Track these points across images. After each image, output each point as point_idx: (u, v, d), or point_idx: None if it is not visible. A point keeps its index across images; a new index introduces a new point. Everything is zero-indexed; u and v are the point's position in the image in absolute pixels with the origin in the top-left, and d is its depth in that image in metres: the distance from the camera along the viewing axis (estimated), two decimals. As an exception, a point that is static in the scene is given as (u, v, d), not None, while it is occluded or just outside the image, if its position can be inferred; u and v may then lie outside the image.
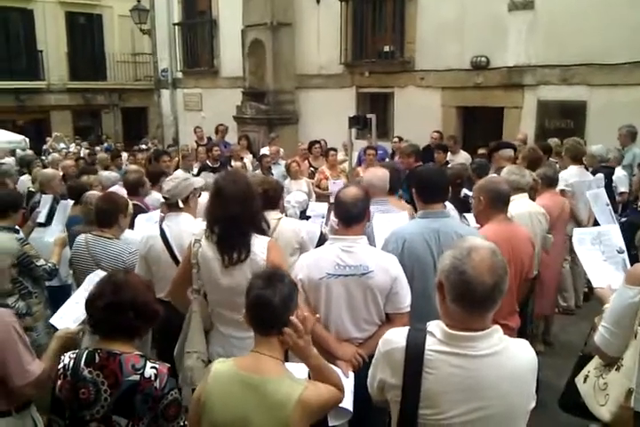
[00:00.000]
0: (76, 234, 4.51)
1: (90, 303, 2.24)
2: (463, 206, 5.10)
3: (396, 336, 1.89)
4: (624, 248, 3.16)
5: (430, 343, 1.79)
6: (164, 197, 3.76)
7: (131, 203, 5.05)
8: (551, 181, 5.18)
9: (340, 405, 2.53)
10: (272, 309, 2.06)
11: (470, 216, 4.80)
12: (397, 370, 1.83)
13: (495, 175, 3.75)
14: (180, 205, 3.70)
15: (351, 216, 2.97)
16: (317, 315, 2.66)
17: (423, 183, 3.40)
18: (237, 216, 2.91)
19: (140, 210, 4.88)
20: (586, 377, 2.63)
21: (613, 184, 6.46)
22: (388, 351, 1.88)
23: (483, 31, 9.72)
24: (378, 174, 4.35)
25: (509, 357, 1.79)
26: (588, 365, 2.66)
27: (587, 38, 8.42)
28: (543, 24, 9.08)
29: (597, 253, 3.16)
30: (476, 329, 1.77)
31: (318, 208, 6.07)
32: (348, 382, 2.71)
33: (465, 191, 5.51)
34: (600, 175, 6.22)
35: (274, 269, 2.29)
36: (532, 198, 4.72)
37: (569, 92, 8.97)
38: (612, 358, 2.45)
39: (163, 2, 16.27)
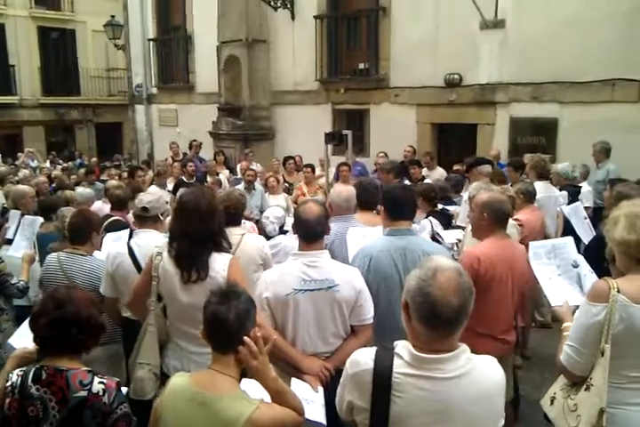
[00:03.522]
0: (52, 252, 4.43)
1: (33, 321, 2.23)
2: (442, 220, 5.15)
3: (364, 358, 1.87)
4: (579, 262, 3.15)
5: (398, 366, 1.78)
6: (141, 209, 3.68)
7: (112, 218, 5.07)
8: (531, 197, 5.35)
9: (313, 418, 2.54)
10: (227, 326, 2.05)
11: (445, 233, 4.83)
12: (365, 393, 1.81)
13: (497, 193, 3.79)
14: (161, 218, 3.68)
15: (316, 233, 3.00)
16: (275, 335, 2.65)
17: (390, 200, 3.45)
18: (195, 233, 2.92)
19: (121, 225, 4.82)
20: (552, 399, 2.57)
21: (579, 200, 6.58)
22: (356, 373, 1.86)
23: (455, 49, 9.86)
24: (342, 195, 4.26)
25: (477, 377, 1.79)
26: (553, 386, 2.62)
27: (557, 56, 8.60)
28: (514, 42, 9.25)
29: (552, 268, 3.14)
30: (442, 350, 1.76)
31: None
32: (319, 397, 2.74)
33: (441, 206, 5.57)
34: (564, 193, 6.36)
35: (231, 285, 2.26)
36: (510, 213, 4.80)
37: (540, 109, 9.12)
38: (579, 378, 2.42)
39: (137, 17, 16.22)
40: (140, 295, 3.12)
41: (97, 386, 2.12)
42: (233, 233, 3.78)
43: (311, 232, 2.99)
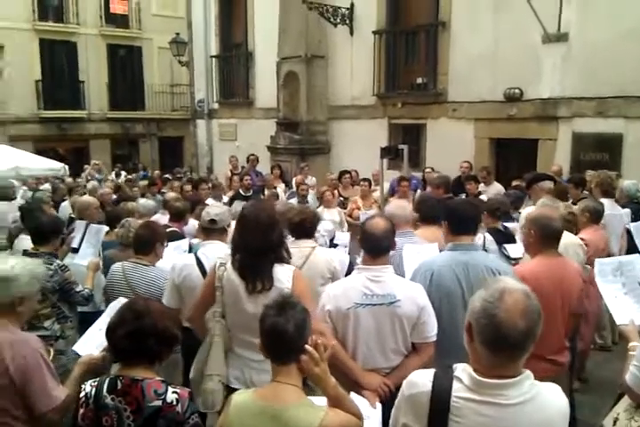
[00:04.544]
0: (110, 258, 4.60)
1: (111, 332, 2.27)
2: (504, 237, 5.05)
3: (422, 379, 1.82)
4: None
5: (457, 389, 1.73)
6: (209, 221, 3.76)
7: (169, 229, 5.21)
8: (598, 216, 5.13)
9: None
10: (287, 337, 2.06)
11: (510, 247, 4.76)
12: (422, 416, 1.76)
13: (548, 210, 3.72)
14: (227, 229, 3.76)
15: (381, 248, 3.00)
16: (334, 341, 2.67)
17: (453, 215, 3.41)
18: (257, 245, 2.96)
19: (176, 236, 4.96)
20: (615, 420, 2.49)
21: None
22: (413, 395, 1.82)
23: (516, 63, 9.72)
24: (400, 205, 4.38)
25: (540, 405, 1.72)
26: (617, 406, 2.53)
27: (623, 70, 8.36)
28: (578, 56, 9.05)
29: (618, 286, 3.05)
30: (506, 375, 1.70)
31: (342, 238, 6.18)
32: (376, 413, 2.71)
33: (502, 223, 5.45)
34: (627, 210, 6.14)
35: (286, 296, 2.29)
36: (571, 231, 4.66)
37: (604, 124, 8.86)
38: None
39: (200, 35, 16.73)
40: (202, 308, 3.17)
41: (171, 396, 2.15)
42: (303, 245, 3.85)
43: (376, 246, 3.00)
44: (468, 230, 3.34)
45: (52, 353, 3.14)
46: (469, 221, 3.37)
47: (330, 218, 7.56)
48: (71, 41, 21.72)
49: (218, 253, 3.59)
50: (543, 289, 3.21)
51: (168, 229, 5.24)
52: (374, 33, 11.90)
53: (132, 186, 11.54)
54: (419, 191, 8.58)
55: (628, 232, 5.75)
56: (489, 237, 4.93)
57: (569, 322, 3.42)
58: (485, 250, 4.75)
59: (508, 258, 4.75)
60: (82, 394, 2.22)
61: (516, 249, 4.65)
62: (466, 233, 3.32)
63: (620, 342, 5.86)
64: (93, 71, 22.10)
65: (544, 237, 3.39)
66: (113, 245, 4.94)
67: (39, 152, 16.45)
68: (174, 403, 2.14)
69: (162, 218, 6.01)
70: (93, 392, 2.19)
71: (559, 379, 3.46)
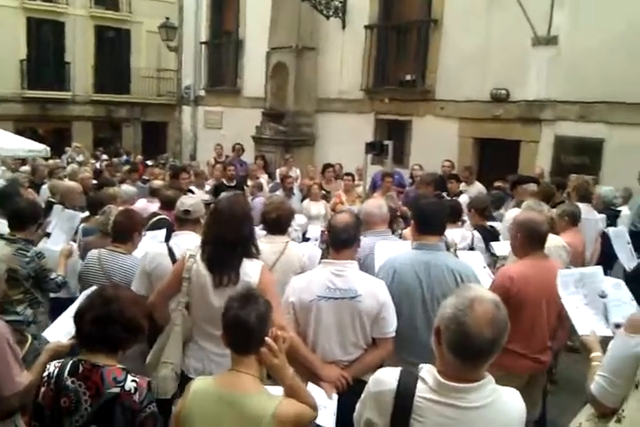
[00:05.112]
0: (88, 244, 4.55)
1: (79, 316, 2.29)
2: (490, 236, 5.12)
3: (388, 377, 1.87)
4: (607, 292, 3.09)
5: (421, 390, 1.78)
6: (184, 211, 3.75)
7: (159, 217, 5.16)
8: (576, 219, 5.22)
9: (322, 424, 2.61)
10: (249, 328, 2.14)
11: (497, 245, 4.83)
12: (385, 413, 1.82)
13: (535, 214, 3.80)
14: (201, 221, 3.75)
15: (341, 241, 3.04)
16: (293, 334, 2.72)
17: (420, 215, 3.45)
18: (229, 239, 2.99)
19: (165, 224, 4.93)
20: None
21: (617, 224, 6.44)
22: (379, 392, 1.87)
23: (504, 64, 9.78)
24: (376, 204, 4.38)
25: (500, 409, 1.78)
26: (579, 416, 2.57)
27: (609, 76, 8.44)
28: (566, 60, 9.12)
29: (579, 297, 3.10)
30: (469, 380, 1.75)
31: (312, 231, 6.24)
32: (331, 404, 2.80)
33: (489, 223, 5.52)
34: (603, 216, 6.23)
35: (249, 289, 2.37)
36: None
37: (587, 128, 8.96)
38: (610, 409, 2.36)
39: (191, 20, 16.57)
40: (164, 296, 3.19)
41: (129, 384, 2.17)
42: (277, 240, 3.87)
43: (336, 239, 3.05)
44: (433, 231, 3.36)
45: (29, 339, 3.13)
46: (435, 221, 3.40)
47: (316, 211, 7.62)
48: (59, 21, 21.39)
49: (190, 243, 3.60)
50: (529, 291, 3.31)
51: (158, 217, 5.19)
52: (366, 27, 11.90)
53: (115, 171, 11.41)
54: (407, 188, 8.61)
55: (603, 237, 5.85)
56: (477, 234, 4.98)
57: (553, 323, 3.51)
58: (472, 248, 4.82)
59: (494, 256, 4.83)
60: (45, 373, 2.25)
61: (502, 247, 4.71)
62: (432, 233, 3.35)
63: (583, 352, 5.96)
64: (80, 52, 21.78)
65: (529, 241, 3.46)
66: (94, 231, 4.89)
67: (19, 132, 16.25)
68: (132, 391, 2.16)
69: (150, 206, 5.94)
70: (56, 373, 2.22)
71: (538, 377, 3.59)
